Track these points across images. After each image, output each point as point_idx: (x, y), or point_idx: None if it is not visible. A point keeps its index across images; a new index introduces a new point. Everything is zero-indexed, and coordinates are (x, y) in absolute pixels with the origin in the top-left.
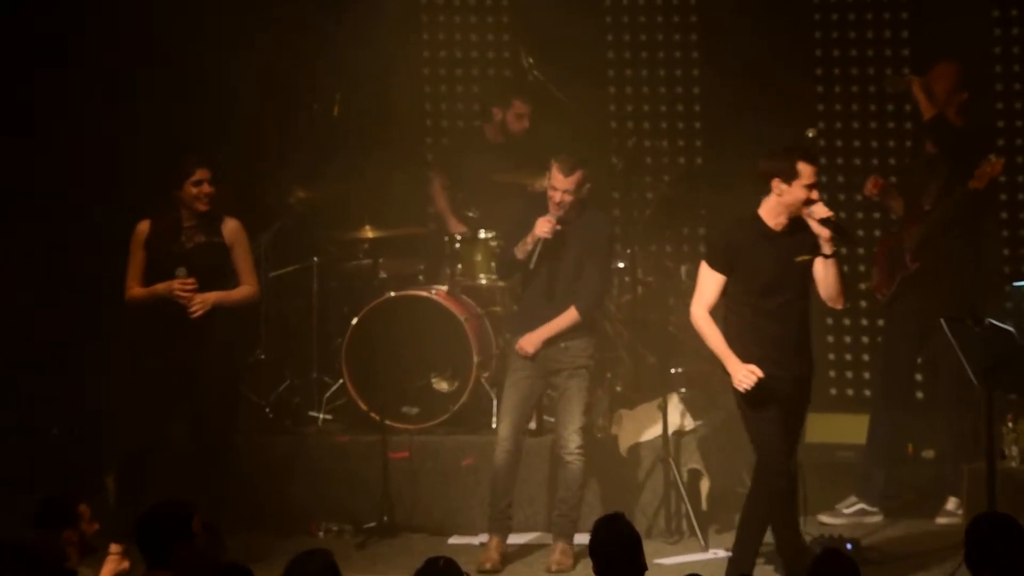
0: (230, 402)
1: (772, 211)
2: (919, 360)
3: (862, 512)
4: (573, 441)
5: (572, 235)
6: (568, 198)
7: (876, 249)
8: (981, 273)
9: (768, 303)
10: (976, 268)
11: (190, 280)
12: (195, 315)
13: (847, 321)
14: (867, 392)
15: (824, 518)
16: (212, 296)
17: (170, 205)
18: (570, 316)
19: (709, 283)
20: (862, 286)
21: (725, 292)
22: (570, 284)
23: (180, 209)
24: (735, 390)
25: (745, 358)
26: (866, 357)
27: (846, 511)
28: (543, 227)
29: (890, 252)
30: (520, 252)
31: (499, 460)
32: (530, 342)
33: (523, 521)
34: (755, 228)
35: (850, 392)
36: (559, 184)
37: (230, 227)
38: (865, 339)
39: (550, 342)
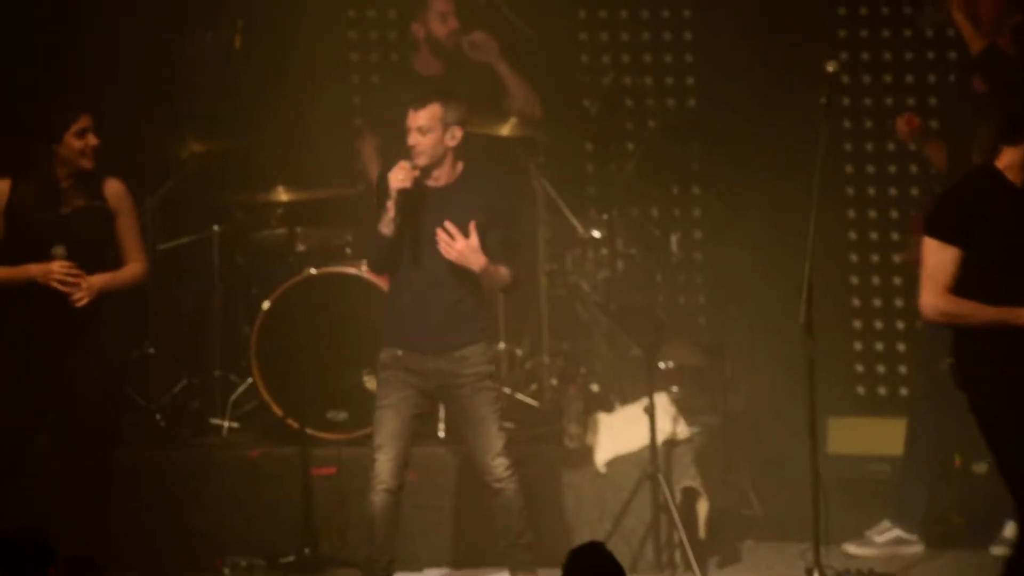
0: (111, 408)
1: (1015, 164)
2: None
3: (898, 541)
4: (499, 466)
5: (453, 199)
6: (422, 140)
7: (914, 213)
8: None
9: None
10: None
11: (73, 266)
12: (79, 304)
13: (877, 303)
14: (904, 391)
15: (851, 548)
16: (98, 281)
17: (38, 164)
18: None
19: (943, 262)
20: (895, 258)
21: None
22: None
23: (54, 168)
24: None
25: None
26: (902, 347)
27: (878, 539)
28: (397, 175)
29: None
30: (385, 227)
31: (378, 504)
32: None
33: (475, 554)
34: (995, 185)
35: (882, 391)
36: (410, 121)
37: (113, 189)
38: (900, 325)
39: (440, 352)
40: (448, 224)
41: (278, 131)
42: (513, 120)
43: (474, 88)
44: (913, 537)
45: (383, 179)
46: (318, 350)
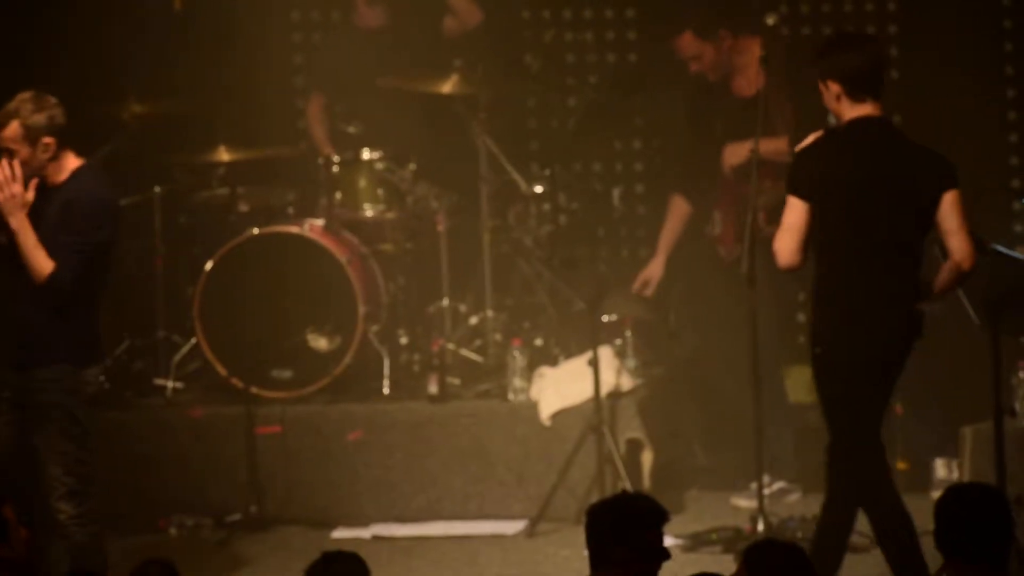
0: None
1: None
2: None
3: (782, 491)
4: (62, 511)
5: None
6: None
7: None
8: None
9: None
10: None
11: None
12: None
13: None
14: None
15: (740, 502)
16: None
17: None
18: None
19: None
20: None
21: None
22: None
23: None
24: None
25: None
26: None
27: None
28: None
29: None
30: None
31: None
32: None
33: (424, 509)
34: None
35: None
36: None
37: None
38: None
39: (15, 369)
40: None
41: (219, 91)
42: (455, 77)
43: (418, 35)
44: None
45: None
46: (261, 309)
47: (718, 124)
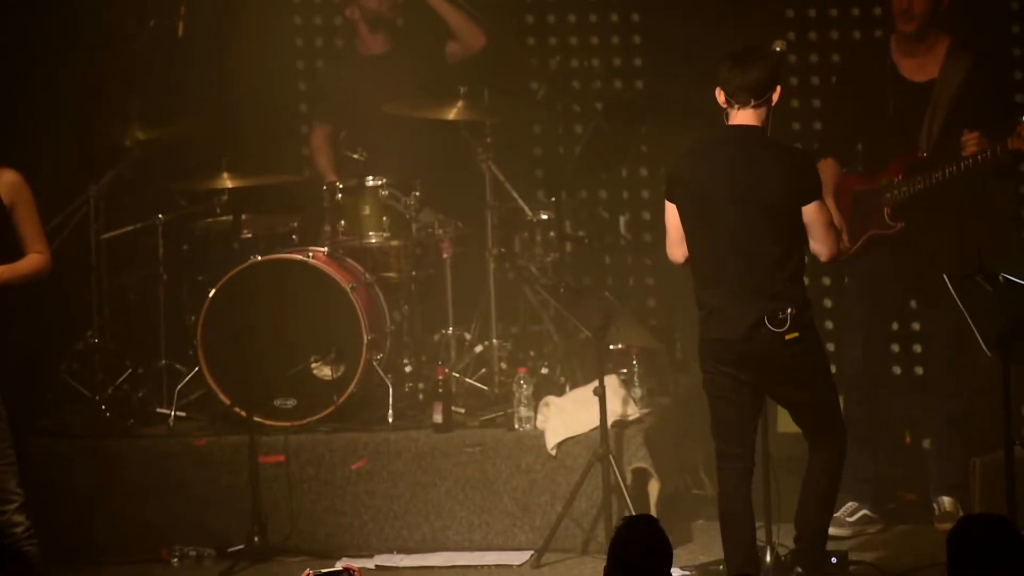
0: (21, 398)
1: None
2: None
3: (866, 520)
4: (20, 524)
5: None
6: None
7: (836, 190)
8: (985, 217)
9: None
10: (979, 212)
11: None
12: None
13: (827, 280)
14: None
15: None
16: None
17: None
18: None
19: None
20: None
21: None
22: None
23: None
24: None
25: None
26: (829, 325)
27: (849, 519)
28: None
29: (857, 200)
30: None
31: None
32: None
33: (429, 539)
34: None
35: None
36: None
37: (7, 181)
38: (827, 303)
39: None
40: None
41: (223, 118)
42: (460, 104)
43: (422, 61)
44: (876, 515)
45: None
46: (265, 337)
47: (891, 103)
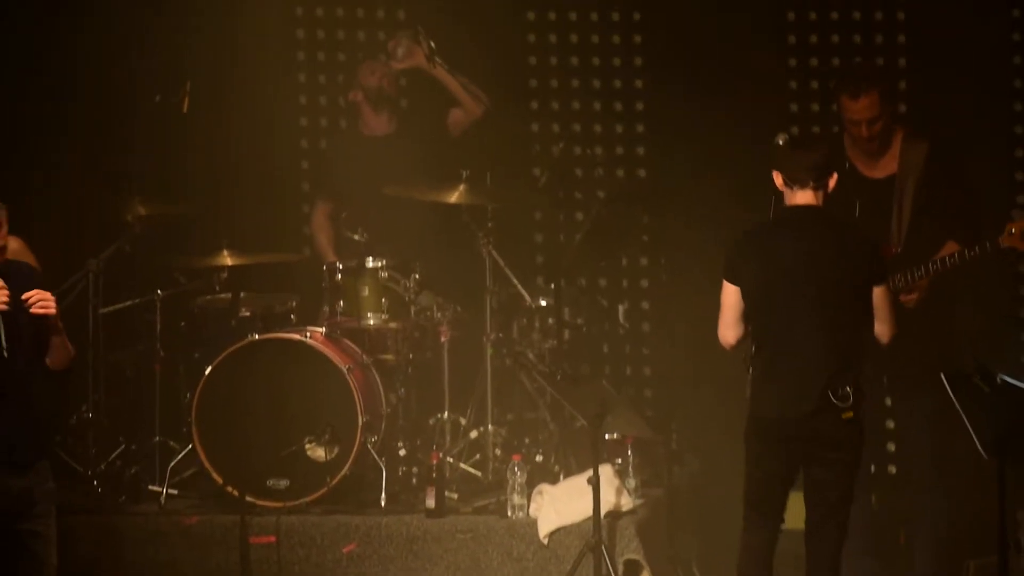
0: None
1: None
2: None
3: None
4: None
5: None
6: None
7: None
8: (979, 306)
9: None
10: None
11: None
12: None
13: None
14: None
15: None
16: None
17: None
18: None
19: None
20: None
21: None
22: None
23: None
24: None
25: None
26: None
27: None
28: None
29: None
30: None
31: None
32: None
33: None
34: None
35: None
36: None
37: (11, 248)
38: None
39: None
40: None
41: (224, 195)
42: (462, 187)
43: (425, 141)
44: None
45: None
46: (260, 416)
47: (856, 205)
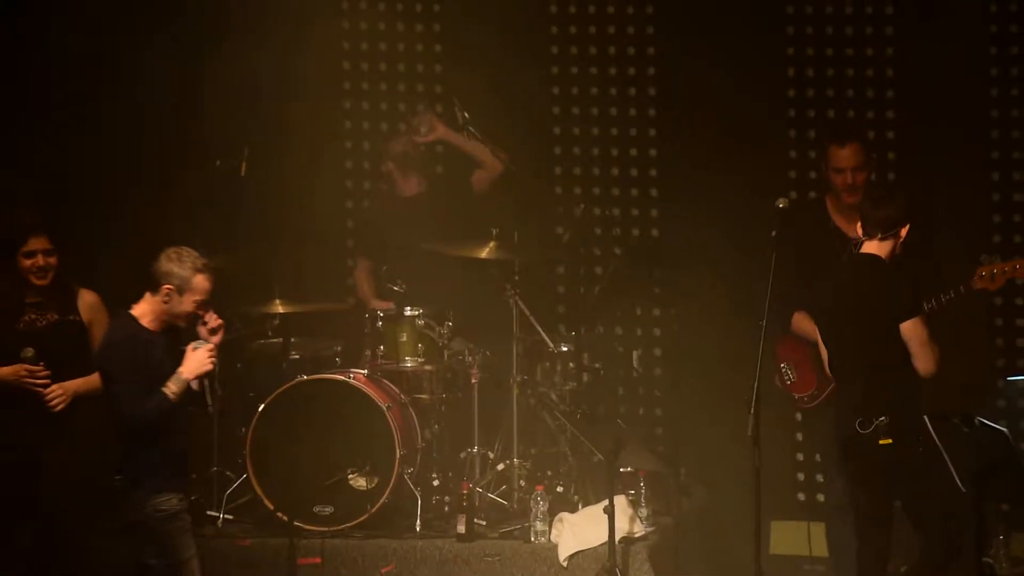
0: (89, 506)
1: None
2: None
3: None
4: None
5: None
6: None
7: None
8: (963, 366)
9: None
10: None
11: (40, 369)
12: (56, 408)
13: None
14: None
15: None
16: (73, 384)
17: (8, 273)
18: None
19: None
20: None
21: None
22: None
23: (19, 281)
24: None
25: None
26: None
27: None
28: (205, 360)
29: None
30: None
31: None
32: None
33: None
34: None
35: (820, 498)
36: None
37: (87, 302)
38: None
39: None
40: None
41: (277, 250)
42: (492, 244)
43: (453, 199)
44: None
45: None
46: (307, 449)
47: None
